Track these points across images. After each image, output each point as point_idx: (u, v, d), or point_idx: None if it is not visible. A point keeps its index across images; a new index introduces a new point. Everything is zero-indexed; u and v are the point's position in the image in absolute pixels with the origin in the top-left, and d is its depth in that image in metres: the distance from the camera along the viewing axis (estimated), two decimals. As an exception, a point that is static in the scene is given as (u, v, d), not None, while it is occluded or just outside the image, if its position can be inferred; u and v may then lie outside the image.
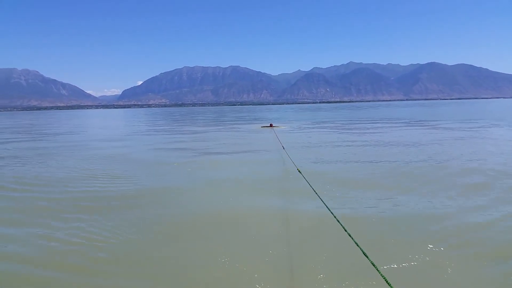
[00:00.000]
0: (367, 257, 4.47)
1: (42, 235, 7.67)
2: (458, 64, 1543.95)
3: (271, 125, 40.14)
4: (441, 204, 9.15)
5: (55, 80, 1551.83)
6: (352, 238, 5.05)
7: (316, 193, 8.01)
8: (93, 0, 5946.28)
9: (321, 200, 7.30)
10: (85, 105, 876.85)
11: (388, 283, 3.77)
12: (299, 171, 11.54)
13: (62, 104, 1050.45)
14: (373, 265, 4.31)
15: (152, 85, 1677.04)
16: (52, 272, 6.07)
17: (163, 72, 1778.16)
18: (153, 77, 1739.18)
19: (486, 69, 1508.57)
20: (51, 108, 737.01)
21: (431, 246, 6.53)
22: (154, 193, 11.21)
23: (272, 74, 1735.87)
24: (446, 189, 10.71)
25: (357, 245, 4.81)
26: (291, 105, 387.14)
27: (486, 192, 10.23)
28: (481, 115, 54.73)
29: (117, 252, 6.79)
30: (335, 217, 6.01)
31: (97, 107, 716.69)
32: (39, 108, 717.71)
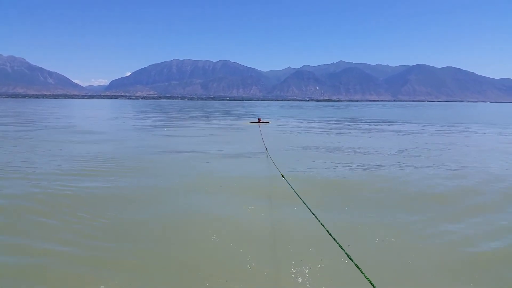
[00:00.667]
0: (352, 260, 4.53)
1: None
2: (446, 67, 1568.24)
3: (259, 120, 40.01)
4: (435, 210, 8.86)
5: (41, 68, 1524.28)
6: (336, 241, 5.08)
7: (299, 197, 7.93)
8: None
9: (306, 205, 7.11)
10: (72, 95, 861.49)
11: (371, 283, 3.70)
12: (282, 175, 10.94)
13: (49, 93, 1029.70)
14: (359, 268, 4.46)
15: (141, 77, 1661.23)
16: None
17: (152, 64, 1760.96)
18: (142, 68, 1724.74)
19: (473, 73, 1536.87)
20: (37, 96, 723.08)
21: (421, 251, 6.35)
22: (125, 192, 10.60)
23: (262, 70, 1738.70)
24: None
25: (342, 249, 4.78)
26: (281, 102, 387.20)
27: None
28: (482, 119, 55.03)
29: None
30: (317, 218, 6.09)
31: (83, 97, 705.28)
32: (25, 96, 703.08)
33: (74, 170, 13.29)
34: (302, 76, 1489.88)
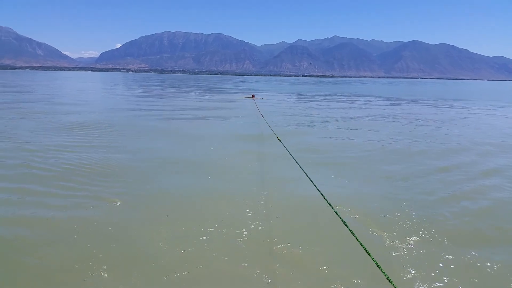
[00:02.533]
0: (346, 226, 4.77)
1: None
2: (440, 43, 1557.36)
3: (252, 96, 40.40)
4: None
5: (30, 38, 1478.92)
6: (335, 211, 5.34)
7: (296, 161, 8.47)
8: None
9: (299, 165, 7.67)
10: (62, 67, 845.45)
11: (371, 257, 3.91)
12: (279, 139, 12.17)
13: (38, 65, 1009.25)
14: (353, 234, 4.57)
15: (131, 49, 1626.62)
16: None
17: (143, 36, 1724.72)
18: (132, 40, 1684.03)
19: (467, 50, 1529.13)
20: (26, 68, 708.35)
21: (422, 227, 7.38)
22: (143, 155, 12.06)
23: (256, 44, 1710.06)
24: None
25: (342, 220, 5.06)
26: (274, 77, 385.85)
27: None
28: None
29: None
30: (312, 183, 6.34)
31: (73, 69, 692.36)
32: (13, 68, 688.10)
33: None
34: (296, 51, 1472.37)
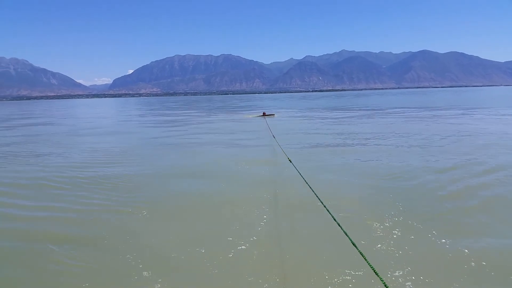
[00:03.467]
0: (353, 244, 4.72)
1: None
2: (450, 52, 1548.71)
3: (264, 114, 40.07)
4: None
5: (44, 69, 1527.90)
6: (340, 227, 5.40)
7: (307, 183, 8.22)
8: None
9: (311, 189, 7.55)
10: (76, 95, 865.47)
11: (372, 268, 3.96)
12: (289, 160, 11.79)
13: (52, 94, 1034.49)
14: (359, 250, 4.58)
15: (143, 74, 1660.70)
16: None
17: (154, 60, 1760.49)
18: (144, 65, 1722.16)
19: (477, 57, 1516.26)
20: (41, 97, 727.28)
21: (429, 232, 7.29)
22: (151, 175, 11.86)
23: (265, 63, 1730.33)
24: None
25: (346, 234, 5.08)
26: (284, 94, 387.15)
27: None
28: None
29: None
30: (322, 203, 6.34)
31: (87, 96, 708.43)
32: (29, 98, 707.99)
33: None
34: (304, 67, 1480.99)
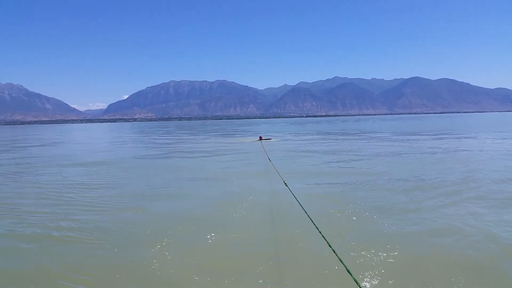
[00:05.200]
0: (349, 273, 4.78)
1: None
2: (441, 78, 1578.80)
3: (260, 138, 39.88)
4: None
5: (39, 94, 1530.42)
6: (335, 253, 5.47)
7: (303, 208, 8.30)
8: (77, 15, 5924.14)
9: (307, 214, 7.64)
10: (70, 120, 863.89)
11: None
12: (285, 184, 11.82)
13: (46, 119, 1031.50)
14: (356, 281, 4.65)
15: (138, 99, 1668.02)
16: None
17: (149, 86, 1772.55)
18: (139, 91, 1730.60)
19: (468, 84, 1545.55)
20: (35, 122, 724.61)
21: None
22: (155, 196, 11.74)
23: (259, 88, 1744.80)
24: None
25: (341, 261, 5.19)
26: (278, 119, 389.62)
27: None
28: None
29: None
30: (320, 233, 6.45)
31: (81, 121, 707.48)
32: (23, 123, 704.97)
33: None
34: (298, 92, 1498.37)
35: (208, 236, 8.56)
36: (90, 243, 8.44)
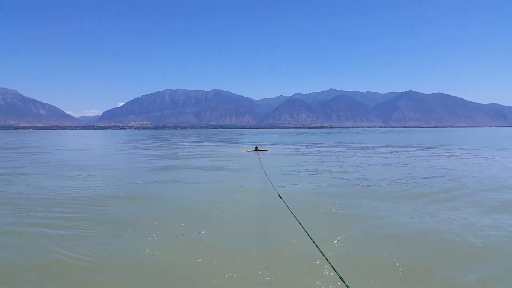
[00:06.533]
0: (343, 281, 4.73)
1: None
2: (435, 93, 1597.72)
3: (256, 148, 39.84)
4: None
5: (34, 99, 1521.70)
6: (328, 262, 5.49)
7: (296, 218, 8.42)
8: (75, 22, 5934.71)
9: (301, 225, 7.72)
10: (64, 126, 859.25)
11: None
12: (279, 196, 11.86)
13: (41, 124, 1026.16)
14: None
15: (134, 107, 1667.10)
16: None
17: (145, 94, 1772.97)
18: (135, 99, 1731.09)
19: (461, 99, 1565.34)
20: (29, 128, 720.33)
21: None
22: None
23: (255, 99, 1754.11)
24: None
25: (335, 270, 5.14)
26: (273, 129, 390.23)
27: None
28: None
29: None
30: (314, 241, 6.42)
31: (76, 128, 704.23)
32: (17, 128, 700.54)
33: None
34: (294, 103, 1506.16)
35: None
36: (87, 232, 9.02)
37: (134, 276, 7.01)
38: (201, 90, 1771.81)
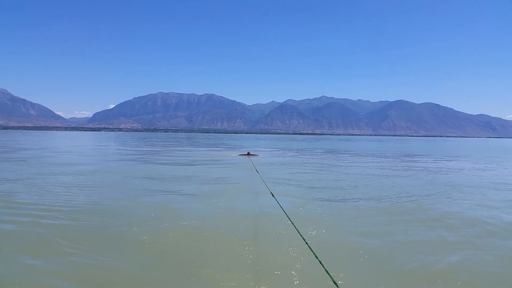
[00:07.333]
0: (330, 275, 4.86)
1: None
2: (425, 102, 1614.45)
3: (248, 154, 40.55)
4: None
5: (24, 99, 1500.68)
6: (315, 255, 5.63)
7: (287, 216, 8.72)
8: (66, 23, 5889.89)
9: (291, 221, 7.98)
10: (54, 127, 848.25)
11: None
12: (272, 194, 12.47)
13: (30, 125, 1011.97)
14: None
15: (125, 109, 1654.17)
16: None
17: (136, 96, 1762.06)
18: (126, 101, 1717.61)
19: (451, 109, 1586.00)
20: (18, 128, 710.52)
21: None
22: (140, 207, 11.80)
23: (247, 104, 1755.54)
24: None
25: (321, 264, 5.21)
26: (265, 135, 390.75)
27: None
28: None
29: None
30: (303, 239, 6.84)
31: (65, 129, 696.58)
32: (5, 128, 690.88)
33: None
34: (285, 110, 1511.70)
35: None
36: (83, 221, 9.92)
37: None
38: (194, 93, 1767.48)
